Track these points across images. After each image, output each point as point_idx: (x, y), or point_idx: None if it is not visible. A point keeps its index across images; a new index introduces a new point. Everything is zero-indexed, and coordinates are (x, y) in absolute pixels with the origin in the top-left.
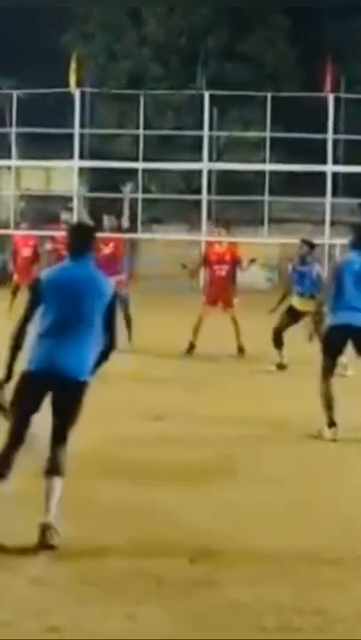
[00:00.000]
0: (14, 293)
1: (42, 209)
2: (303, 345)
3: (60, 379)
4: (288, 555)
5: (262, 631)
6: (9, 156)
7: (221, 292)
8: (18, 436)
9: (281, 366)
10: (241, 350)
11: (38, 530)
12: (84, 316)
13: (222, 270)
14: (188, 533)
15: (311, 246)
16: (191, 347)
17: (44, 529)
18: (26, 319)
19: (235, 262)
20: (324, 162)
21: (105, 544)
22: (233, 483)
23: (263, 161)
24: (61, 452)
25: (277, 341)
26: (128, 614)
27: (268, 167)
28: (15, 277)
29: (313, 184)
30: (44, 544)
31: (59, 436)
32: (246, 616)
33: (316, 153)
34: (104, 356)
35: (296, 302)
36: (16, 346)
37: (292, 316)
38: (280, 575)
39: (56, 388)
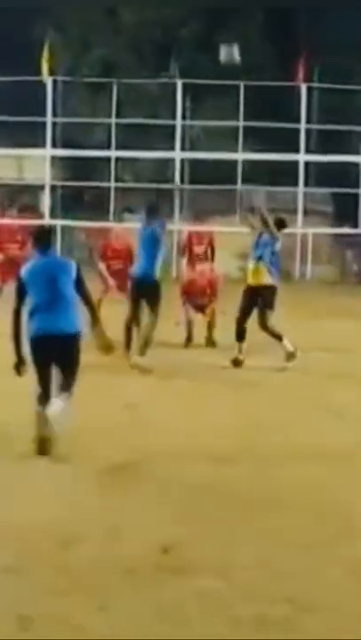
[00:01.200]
0: None
1: (14, 198)
2: None
3: (57, 335)
4: (261, 541)
5: (235, 621)
6: None
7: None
8: (46, 389)
9: (237, 362)
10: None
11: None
12: (60, 289)
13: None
14: (160, 521)
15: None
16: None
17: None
18: (17, 311)
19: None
20: (296, 151)
21: (76, 533)
22: (205, 468)
23: (236, 150)
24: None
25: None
26: (100, 605)
27: (241, 156)
28: None
29: (286, 173)
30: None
31: (65, 385)
32: (219, 605)
33: (289, 142)
34: (91, 311)
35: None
36: (17, 334)
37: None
38: (252, 563)
39: (56, 344)
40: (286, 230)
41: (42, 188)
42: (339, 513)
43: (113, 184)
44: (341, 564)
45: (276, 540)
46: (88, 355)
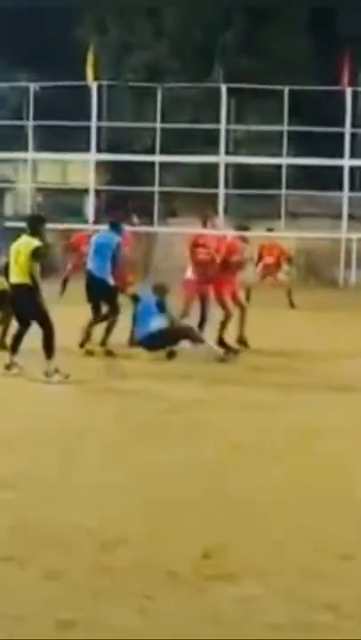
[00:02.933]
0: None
1: (59, 202)
2: None
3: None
4: (301, 547)
5: (275, 628)
6: (26, 149)
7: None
8: None
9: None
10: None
11: None
12: None
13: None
14: (202, 526)
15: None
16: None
17: None
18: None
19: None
20: (341, 156)
21: (118, 536)
22: (243, 474)
23: (280, 155)
24: None
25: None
26: (140, 608)
27: (285, 161)
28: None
29: (330, 178)
30: None
31: None
32: (259, 612)
33: (333, 147)
34: None
35: None
36: None
37: None
38: (293, 569)
39: None
40: (331, 235)
41: (86, 192)
42: None
43: (157, 188)
44: None
45: (318, 545)
46: None
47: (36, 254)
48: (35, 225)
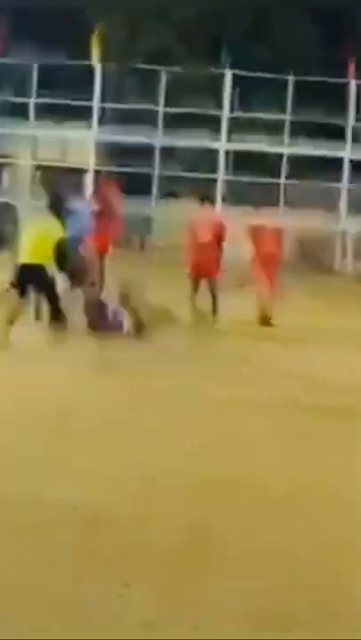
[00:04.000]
0: None
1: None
2: None
3: None
4: (287, 538)
5: (254, 618)
6: (26, 125)
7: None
8: None
9: None
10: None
11: None
12: None
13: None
14: (187, 509)
15: None
16: None
17: None
18: None
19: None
20: (342, 147)
21: (104, 514)
22: (236, 458)
23: (282, 143)
24: None
25: None
26: (120, 593)
27: (286, 150)
28: None
29: (330, 169)
30: None
31: None
32: (240, 602)
33: (335, 138)
34: None
35: None
36: None
37: None
38: (278, 560)
39: None
40: (329, 228)
41: (86, 171)
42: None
43: (157, 171)
44: None
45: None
46: None
47: (59, 250)
48: (55, 204)
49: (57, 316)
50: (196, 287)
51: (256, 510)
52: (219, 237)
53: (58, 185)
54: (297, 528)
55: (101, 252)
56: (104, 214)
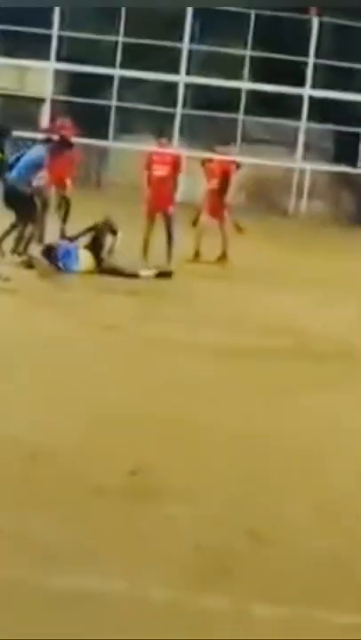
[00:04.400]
0: None
1: (13, 111)
2: None
3: None
4: (229, 472)
5: (196, 549)
6: None
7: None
8: None
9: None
10: None
11: None
12: None
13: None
14: (132, 442)
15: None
16: None
17: None
18: None
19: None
20: (302, 85)
21: (49, 448)
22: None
23: (241, 79)
24: None
25: None
26: (63, 522)
27: (245, 85)
28: None
29: (289, 107)
30: None
31: None
32: (182, 533)
33: (294, 76)
34: None
35: None
36: None
37: None
38: (218, 492)
39: None
40: (285, 164)
41: (43, 101)
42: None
43: (115, 103)
44: (304, 502)
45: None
46: None
47: None
48: None
49: None
50: (150, 224)
51: (199, 452)
52: (175, 171)
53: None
54: (243, 470)
55: (59, 187)
56: (60, 148)
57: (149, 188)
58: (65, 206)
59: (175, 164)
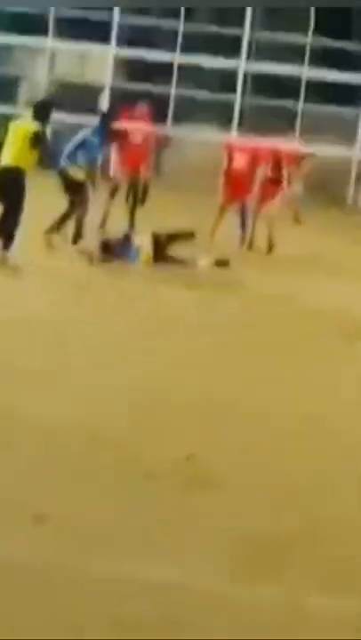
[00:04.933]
0: None
1: (76, 98)
2: None
3: None
4: (281, 459)
5: (245, 541)
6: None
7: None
8: None
9: None
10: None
11: None
12: None
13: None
14: (188, 428)
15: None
16: None
17: None
18: None
19: None
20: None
21: (104, 433)
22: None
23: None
24: None
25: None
26: (115, 509)
27: (306, 72)
28: None
29: (352, 95)
30: None
31: None
32: (233, 521)
33: (355, 64)
34: None
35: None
36: None
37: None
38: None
39: None
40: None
41: (102, 89)
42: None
43: (173, 90)
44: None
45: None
46: None
47: (34, 140)
48: (40, 109)
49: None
50: (222, 213)
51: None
52: (254, 163)
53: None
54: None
55: (132, 174)
56: (116, 135)
57: (228, 178)
58: (134, 195)
59: (255, 157)
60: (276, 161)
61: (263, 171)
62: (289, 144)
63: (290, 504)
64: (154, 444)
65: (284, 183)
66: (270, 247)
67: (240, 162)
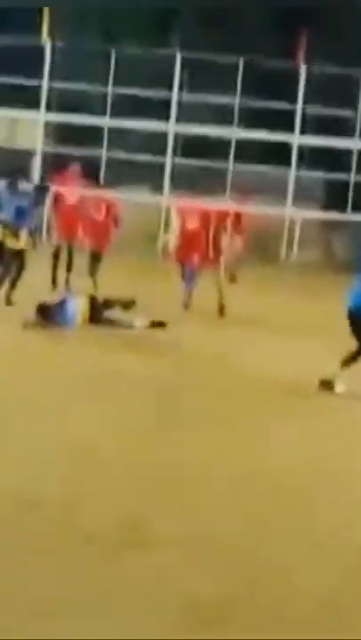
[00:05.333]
0: None
1: (6, 163)
2: None
3: None
4: (223, 518)
5: (192, 603)
6: None
7: None
8: None
9: None
10: None
11: None
12: None
13: None
14: (126, 490)
15: None
16: None
17: None
18: None
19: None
20: (291, 132)
21: (39, 497)
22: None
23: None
24: None
25: None
26: (56, 571)
27: (235, 133)
28: None
29: (279, 155)
30: None
31: None
32: (174, 582)
33: (284, 123)
34: None
35: None
36: None
37: None
38: (211, 540)
39: None
40: (275, 212)
41: (33, 154)
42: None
43: (105, 153)
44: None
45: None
46: None
47: None
48: None
49: None
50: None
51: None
52: (207, 224)
53: None
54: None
55: (70, 237)
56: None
57: (182, 240)
58: (69, 257)
59: (206, 218)
60: (221, 221)
61: (213, 231)
62: (229, 204)
63: (232, 565)
64: (93, 506)
65: (228, 242)
66: (221, 308)
67: (192, 223)
